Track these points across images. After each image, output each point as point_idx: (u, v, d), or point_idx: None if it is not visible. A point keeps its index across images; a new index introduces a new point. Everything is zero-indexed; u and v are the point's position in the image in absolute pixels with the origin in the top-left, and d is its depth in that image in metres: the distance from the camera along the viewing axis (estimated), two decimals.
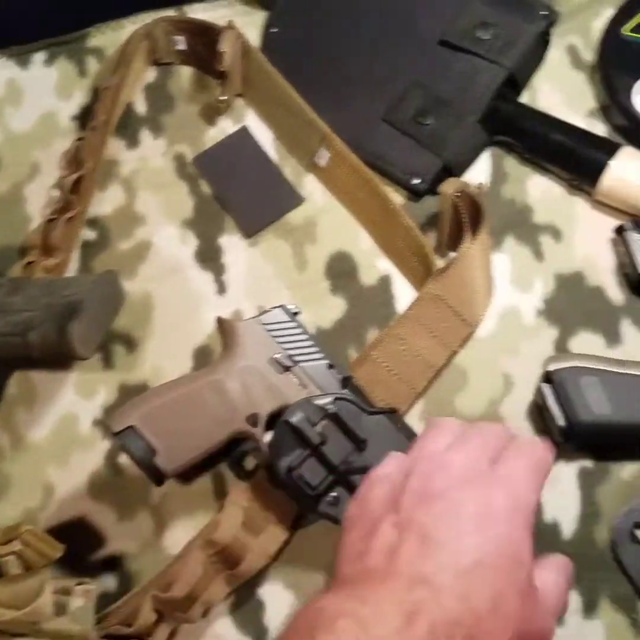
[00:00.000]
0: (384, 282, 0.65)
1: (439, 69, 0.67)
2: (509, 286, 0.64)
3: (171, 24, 0.70)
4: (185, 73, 0.73)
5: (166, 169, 0.69)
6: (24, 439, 0.61)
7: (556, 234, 0.65)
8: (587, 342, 0.61)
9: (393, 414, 0.55)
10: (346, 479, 0.52)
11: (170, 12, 0.74)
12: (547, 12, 0.67)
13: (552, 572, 0.44)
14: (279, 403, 0.53)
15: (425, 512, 0.41)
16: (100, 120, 0.66)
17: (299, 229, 0.67)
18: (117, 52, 0.70)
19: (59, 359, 0.60)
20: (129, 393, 0.62)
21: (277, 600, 0.57)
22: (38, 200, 0.68)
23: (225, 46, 0.66)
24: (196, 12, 0.74)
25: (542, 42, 0.69)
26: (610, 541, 0.56)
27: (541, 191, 0.66)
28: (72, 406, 0.62)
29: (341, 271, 0.65)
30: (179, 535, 0.57)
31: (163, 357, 0.63)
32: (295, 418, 0.52)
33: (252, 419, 0.53)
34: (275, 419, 0.53)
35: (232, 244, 0.67)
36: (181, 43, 0.71)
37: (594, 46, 0.68)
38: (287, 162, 0.69)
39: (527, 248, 0.64)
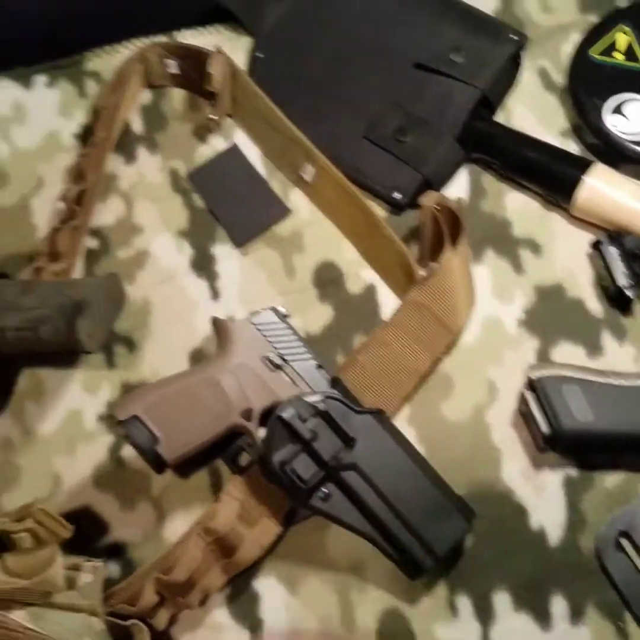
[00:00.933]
0: (369, 291, 0.69)
1: (416, 90, 0.72)
2: (490, 297, 0.67)
3: (164, 48, 0.74)
4: (177, 95, 0.77)
5: (162, 183, 0.73)
6: (33, 432, 0.64)
7: (535, 247, 0.68)
8: (569, 353, 0.64)
9: (380, 415, 0.58)
10: (336, 475, 0.55)
11: (162, 38, 0.78)
12: (516, 37, 0.72)
13: None
14: (271, 399, 0.56)
15: None
16: (100, 137, 0.70)
17: (287, 239, 0.71)
18: (114, 75, 0.75)
19: (67, 352, 0.64)
20: (131, 391, 0.65)
21: (271, 593, 0.59)
22: (43, 211, 0.72)
23: (214, 69, 0.70)
24: (186, 38, 0.78)
25: (514, 65, 0.73)
26: (595, 549, 0.58)
27: (519, 206, 0.70)
28: (78, 401, 0.65)
29: (328, 280, 0.69)
30: (179, 526, 0.60)
31: (161, 358, 0.66)
32: (287, 414, 0.54)
33: (246, 414, 0.56)
34: (268, 416, 0.56)
35: (224, 253, 0.71)
36: (173, 67, 0.75)
37: (564, 69, 0.73)
38: (275, 177, 0.73)
39: (507, 261, 0.68)
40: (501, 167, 0.70)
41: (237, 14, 0.77)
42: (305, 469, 0.54)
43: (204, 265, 0.70)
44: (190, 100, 0.77)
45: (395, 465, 0.55)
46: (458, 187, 0.71)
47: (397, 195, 0.70)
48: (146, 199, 0.73)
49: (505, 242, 0.69)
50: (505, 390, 0.63)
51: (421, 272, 0.65)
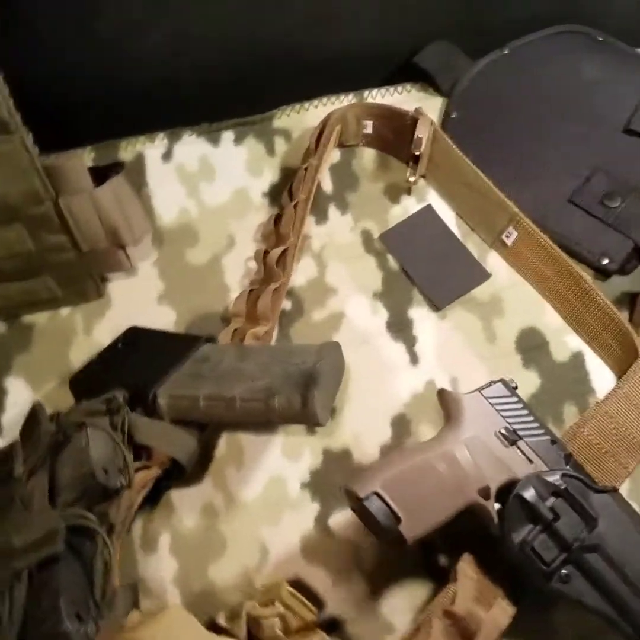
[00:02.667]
0: (577, 359, 0.66)
1: (625, 156, 0.70)
2: None
3: (363, 109, 0.74)
4: (366, 154, 0.77)
5: (354, 243, 0.72)
6: (236, 499, 0.62)
7: None
8: None
9: (616, 493, 0.54)
10: (577, 557, 0.51)
11: (349, 97, 0.79)
12: None
13: None
14: (506, 477, 0.53)
15: None
16: (301, 198, 0.70)
17: (486, 303, 0.69)
18: (314, 134, 0.74)
19: (297, 423, 0.62)
20: (333, 458, 0.63)
21: None
22: (235, 270, 0.72)
23: (422, 132, 0.69)
24: (375, 97, 0.79)
25: None
26: None
27: None
28: (279, 468, 0.63)
29: (531, 345, 0.67)
30: (395, 601, 0.57)
31: (362, 424, 0.64)
32: (528, 493, 0.52)
33: (483, 492, 0.53)
34: (501, 493, 0.53)
35: (421, 316, 0.69)
36: (368, 127, 0.75)
37: None
38: (469, 239, 0.72)
39: None
40: None
41: (432, 73, 0.77)
42: (546, 551, 0.51)
43: (400, 329, 0.68)
44: (381, 160, 0.76)
45: (635, 547, 0.52)
46: None
47: (605, 261, 0.67)
48: (338, 260, 0.72)
49: None
50: None
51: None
